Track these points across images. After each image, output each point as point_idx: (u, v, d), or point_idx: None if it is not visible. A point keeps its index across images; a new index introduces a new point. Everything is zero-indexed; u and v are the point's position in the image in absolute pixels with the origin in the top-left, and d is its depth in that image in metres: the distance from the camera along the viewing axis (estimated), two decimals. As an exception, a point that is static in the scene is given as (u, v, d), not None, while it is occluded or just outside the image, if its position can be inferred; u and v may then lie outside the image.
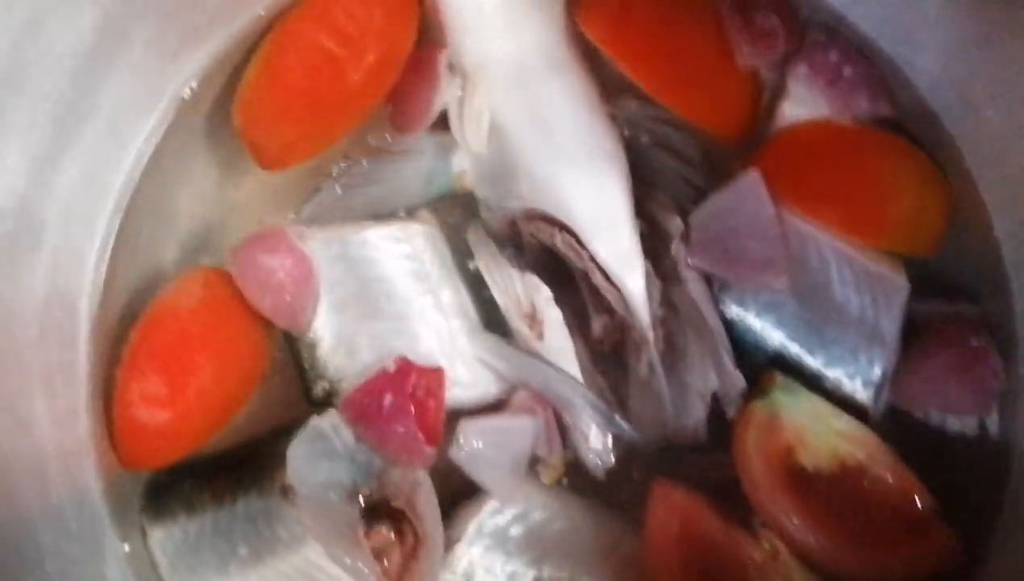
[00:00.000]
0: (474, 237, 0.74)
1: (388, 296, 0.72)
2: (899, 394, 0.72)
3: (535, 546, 0.70)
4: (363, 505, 0.69)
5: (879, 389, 0.71)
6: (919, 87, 0.74)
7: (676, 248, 0.71)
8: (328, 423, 0.69)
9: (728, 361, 0.70)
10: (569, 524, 0.71)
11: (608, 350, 0.72)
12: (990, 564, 0.68)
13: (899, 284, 0.71)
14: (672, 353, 0.71)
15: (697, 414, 0.71)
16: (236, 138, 0.73)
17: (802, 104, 0.74)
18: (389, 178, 0.75)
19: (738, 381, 0.70)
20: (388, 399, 0.70)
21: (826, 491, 0.69)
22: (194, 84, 0.75)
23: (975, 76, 0.70)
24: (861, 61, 0.74)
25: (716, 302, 0.72)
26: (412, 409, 0.69)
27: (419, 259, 0.73)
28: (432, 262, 0.73)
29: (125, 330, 0.71)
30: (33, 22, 0.61)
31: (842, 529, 0.68)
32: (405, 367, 0.70)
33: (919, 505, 0.68)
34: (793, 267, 0.71)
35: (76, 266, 0.71)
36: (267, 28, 0.75)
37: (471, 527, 0.70)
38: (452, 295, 0.73)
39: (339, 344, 0.71)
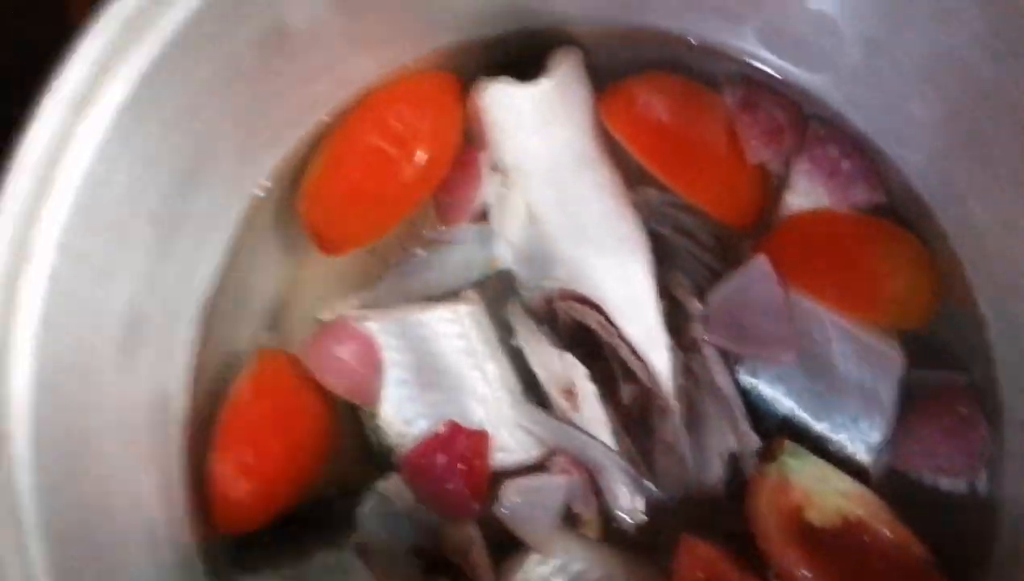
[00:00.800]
0: (514, 315, 0.80)
1: (442, 371, 0.78)
2: (897, 456, 0.77)
3: None
4: (424, 561, 0.74)
5: (878, 452, 0.76)
6: (909, 179, 0.80)
7: (694, 326, 0.77)
8: (391, 486, 0.75)
9: (744, 423, 0.76)
10: (606, 574, 0.76)
11: (636, 415, 0.78)
12: None
13: (895, 357, 0.77)
14: (693, 417, 0.77)
15: (716, 472, 0.77)
16: (301, 228, 0.80)
17: (804, 195, 0.81)
18: (439, 265, 0.82)
19: (753, 442, 0.76)
20: (440, 459, 0.76)
21: (831, 544, 0.74)
22: (267, 183, 0.82)
23: (959, 170, 0.76)
24: (857, 155, 0.80)
25: (732, 372, 0.77)
26: (460, 468, 0.76)
27: (467, 337, 0.78)
28: (478, 339, 0.78)
29: (213, 411, 0.78)
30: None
31: (846, 579, 0.73)
32: (454, 431, 0.77)
33: (915, 556, 0.73)
34: (800, 342, 0.77)
35: (172, 356, 0.77)
36: (329, 131, 0.82)
37: (518, 578, 0.74)
38: (496, 369, 0.78)
39: (399, 414, 0.78)
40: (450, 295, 0.81)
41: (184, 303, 0.78)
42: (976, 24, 0.67)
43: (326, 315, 0.80)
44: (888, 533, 0.74)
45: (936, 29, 0.69)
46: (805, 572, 0.73)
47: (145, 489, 0.72)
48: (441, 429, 0.77)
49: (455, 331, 0.79)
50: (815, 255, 0.80)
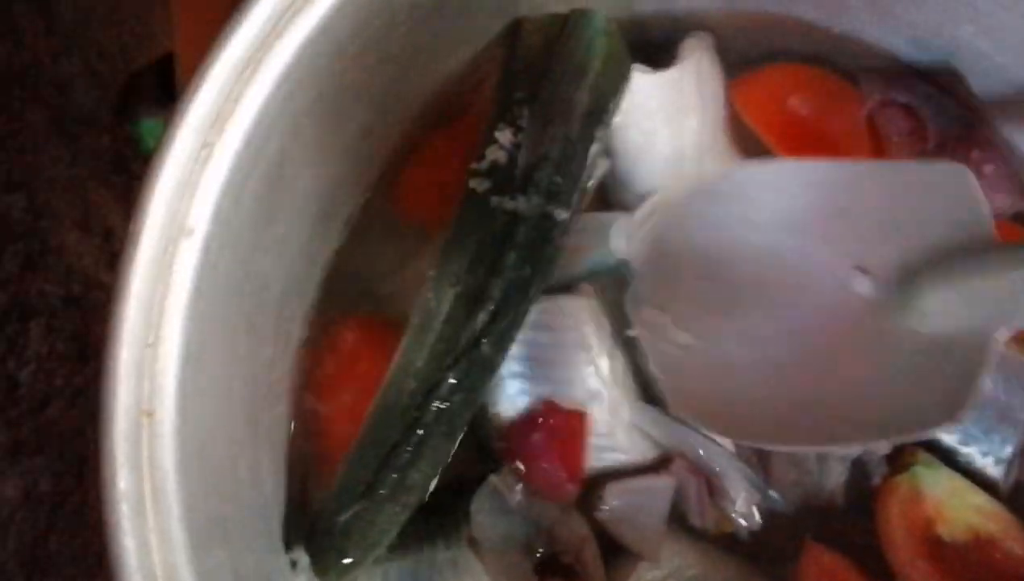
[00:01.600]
0: (630, 305, 0.76)
1: (555, 365, 0.75)
2: None
3: None
4: (536, 558, 0.71)
5: (1009, 466, 0.74)
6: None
7: None
8: (503, 480, 0.72)
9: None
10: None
11: None
12: None
13: None
14: None
15: (837, 478, 0.74)
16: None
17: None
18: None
19: (881, 447, 0.73)
20: (535, 437, 0.73)
21: (961, 560, 0.71)
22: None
23: None
24: (1001, 160, 0.77)
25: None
26: (554, 446, 0.72)
27: (581, 331, 0.75)
28: (593, 334, 0.75)
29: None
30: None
31: None
32: (550, 409, 0.73)
33: None
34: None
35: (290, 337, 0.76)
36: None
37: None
38: (611, 365, 0.75)
39: (513, 407, 0.75)
40: (564, 288, 0.77)
41: (306, 278, 0.76)
42: None
43: None
44: (1019, 551, 0.71)
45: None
46: None
47: (261, 469, 0.71)
48: (538, 408, 0.74)
49: (569, 324, 0.75)
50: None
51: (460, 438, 0.73)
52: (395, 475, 0.70)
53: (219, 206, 0.60)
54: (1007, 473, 0.74)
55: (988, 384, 0.72)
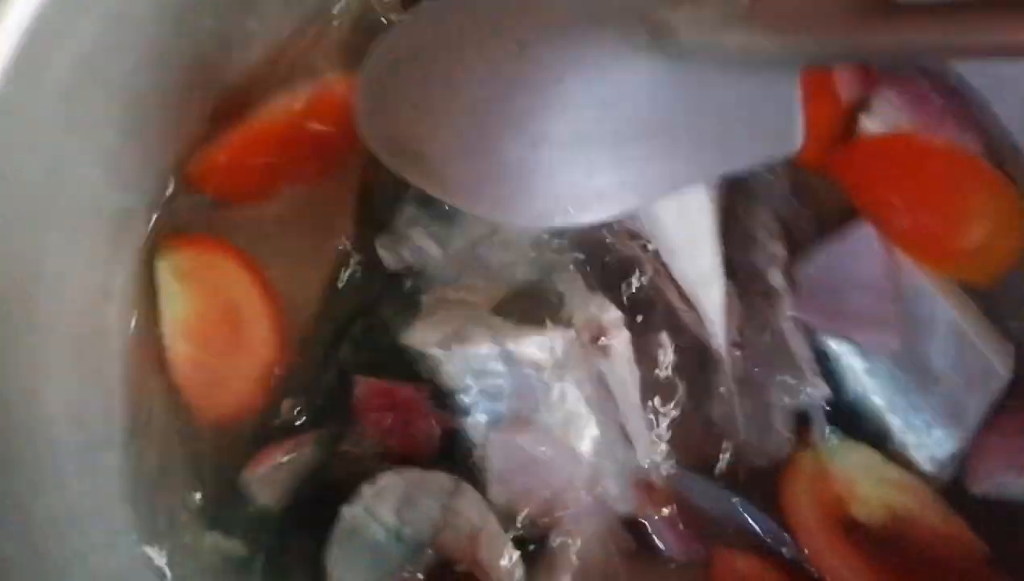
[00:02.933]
0: (560, 250, 0.71)
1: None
2: (966, 470, 0.69)
3: None
4: None
5: (943, 466, 0.69)
6: (1005, 123, 0.70)
7: (773, 271, 0.69)
8: (360, 508, 0.64)
9: (810, 372, 0.68)
10: None
11: (671, 372, 0.69)
12: None
13: (1001, 374, 0.68)
14: (760, 375, 0.69)
15: (781, 433, 0.69)
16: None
17: (883, 120, 0.71)
18: None
19: (822, 389, 0.68)
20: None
21: (878, 540, 0.67)
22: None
23: None
24: (951, 94, 0.71)
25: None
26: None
27: (568, 367, 0.68)
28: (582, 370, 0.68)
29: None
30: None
31: (895, 577, 0.66)
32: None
33: (970, 550, 0.66)
34: (905, 327, 0.68)
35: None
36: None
37: None
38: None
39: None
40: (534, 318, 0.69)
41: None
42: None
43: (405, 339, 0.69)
44: (941, 526, 0.67)
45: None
46: (847, 569, 0.66)
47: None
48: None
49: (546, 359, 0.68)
50: (888, 186, 0.70)
51: None
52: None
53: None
54: (939, 473, 0.69)
55: (947, 375, 0.68)
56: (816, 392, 0.68)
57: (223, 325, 0.69)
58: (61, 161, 0.62)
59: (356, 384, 0.68)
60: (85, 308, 0.67)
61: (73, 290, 0.66)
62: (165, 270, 0.70)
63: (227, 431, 0.70)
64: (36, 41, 0.56)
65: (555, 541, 0.67)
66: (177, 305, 0.70)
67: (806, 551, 0.67)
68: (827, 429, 0.68)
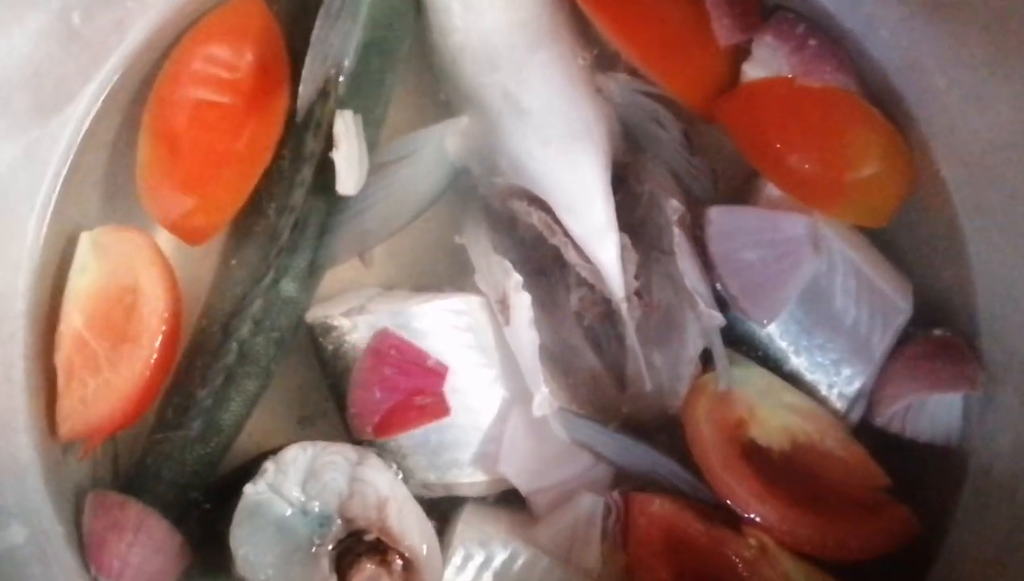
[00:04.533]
0: (468, 219, 0.71)
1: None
2: (873, 407, 0.69)
3: None
4: (333, 555, 0.63)
5: (853, 403, 0.69)
6: (876, 59, 0.70)
7: (669, 224, 0.67)
8: (263, 485, 0.63)
9: (703, 304, 0.66)
10: (534, 556, 0.66)
11: (592, 321, 0.69)
12: (945, 553, 0.67)
13: (902, 307, 0.68)
14: (668, 329, 0.68)
15: (688, 380, 0.68)
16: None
17: (765, 67, 0.70)
18: (402, 183, 0.70)
19: (715, 319, 0.66)
20: (391, 371, 0.67)
21: (778, 464, 0.67)
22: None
23: (925, 44, 0.67)
24: (824, 34, 0.70)
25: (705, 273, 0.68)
26: (400, 397, 0.66)
27: (481, 331, 0.68)
28: (494, 334, 0.68)
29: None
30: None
31: (795, 503, 0.65)
32: (436, 373, 0.67)
33: (871, 479, 0.67)
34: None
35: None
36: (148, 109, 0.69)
37: None
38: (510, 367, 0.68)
39: None
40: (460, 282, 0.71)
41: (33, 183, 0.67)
42: None
43: (310, 317, 0.69)
44: (841, 454, 0.67)
45: None
46: (746, 492, 0.65)
47: None
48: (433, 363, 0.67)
49: (465, 323, 0.68)
50: (771, 129, 0.70)
51: (269, 381, 0.70)
52: (202, 417, 0.68)
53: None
54: (850, 409, 0.69)
55: (851, 312, 0.68)
56: (713, 320, 0.66)
57: (118, 309, 0.67)
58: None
59: (376, 335, 0.67)
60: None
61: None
62: (86, 240, 0.68)
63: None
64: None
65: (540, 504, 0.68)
66: (85, 276, 0.68)
67: (708, 477, 0.66)
68: (725, 353, 0.67)
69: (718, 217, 0.67)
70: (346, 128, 0.67)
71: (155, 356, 0.66)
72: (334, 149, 0.66)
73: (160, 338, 0.66)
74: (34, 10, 0.63)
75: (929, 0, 0.66)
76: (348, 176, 0.66)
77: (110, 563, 0.63)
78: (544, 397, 0.65)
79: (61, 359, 0.66)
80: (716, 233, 0.67)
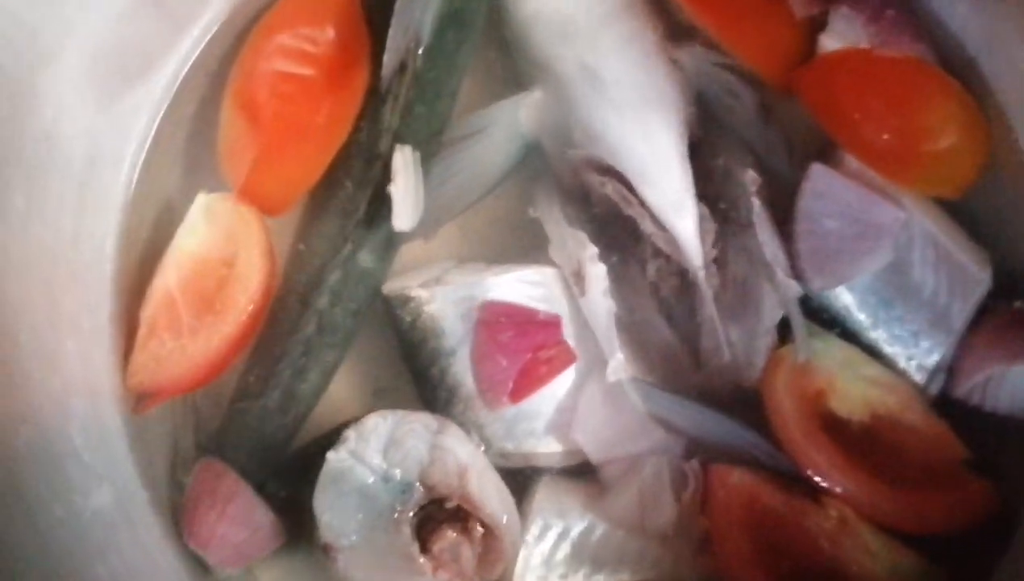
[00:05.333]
0: (541, 193, 0.71)
1: None
2: (953, 381, 0.68)
3: (586, 559, 0.66)
4: (415, 522, 0.63)
5: (933, 374, 0.68)
6: (953, 30, 0.70)
7: (746, 193, 0.67)
8: (345, 453, 0.64)
9: (781, 274, 0.66)
10: (610, 527, 0.66)
11: (667, 293, 0.69)
12: None
13: (980, 278, 0.67)
14: (745, 301, 0.68)
15: (765, 352, 0.68)
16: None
17: (842, 38, 0.70)
18: (473, 159, 0.71)
19: (793, 289, 0.66)
20: (509, 335, 0.67)
21: (858, 436, 0.66)
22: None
23: (1004, 19, 0.67)
24: (904, 7, 0.70)
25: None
26: (526, 357, 0.67)
27: (556, 302, 0.68)
28: (569, 306, 0.69)
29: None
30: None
31: (874, 474, 0.65)
32: (551, 324, 0.67)
33: (951, 453, 0.66)
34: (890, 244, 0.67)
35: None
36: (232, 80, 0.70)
37: (517, 566, 0.65)
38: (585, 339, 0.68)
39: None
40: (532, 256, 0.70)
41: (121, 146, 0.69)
42: None
43: (387, 288, 0.70)
44: (921, 427, 0.67)
45: None
46: (826, 464, 0.65)
47: (65, 349, 0.65)
48: (542, 314, 0.68)
49: (541, 295, 0.69)
50: (848, 100, 0.69)
51: (346, 353, 0.71)
52: (281, 388, 0.69)
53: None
54: (929, 381, 0.68)
55: (929, 283, 0.67)
56: (791, 290, 0.66)
57: (212, 279, 0.68)
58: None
59: (482, 309, 0.67)
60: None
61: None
62: (201, 203, 0.68)
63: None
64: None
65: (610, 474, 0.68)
66: (192, 238, 0.68)
67: (788, 449, 0.66)
68: (804, 326, 0.67)
69: (817, 176, 0.67)
70: (404, 162, 0.67)
71: (234, 334, 0.67)
72: (392, 183, 0.67)
73: (244, 318, 0.67)
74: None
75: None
76: (403, 210, 0.67)
77: (199, 530, 0.64)
78: (619, 362, 0.65)
79: (147, 314, 0.67)
80: (809, 190, 0.67)
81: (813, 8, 0.70)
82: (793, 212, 0.67)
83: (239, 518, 0.65)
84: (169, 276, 0.67)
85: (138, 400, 0.67)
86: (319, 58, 0.69)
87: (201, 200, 0.68)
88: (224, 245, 0.68)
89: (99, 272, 0.67)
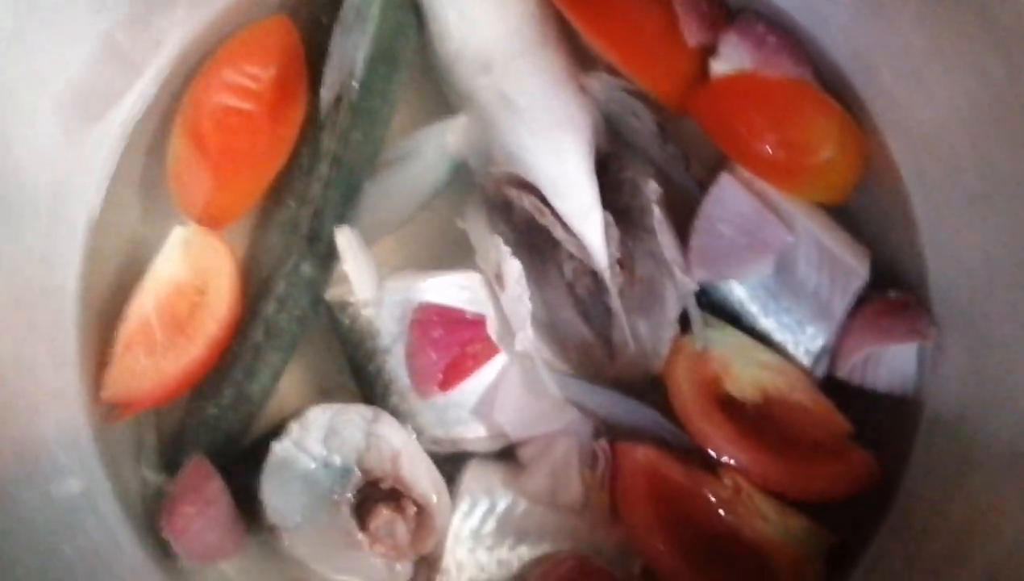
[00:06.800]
0: (468, 206, 0.77)
1: None
2: (836, 360, 0.75)
3: (510, 531, 0.71)
4: (353, 503, 0.69)
5: (818, 358, 0.75)
6: (828, 52, 0.76)
7: (648, 203, 0.74)
8: (289, 442, 0.70)
9: (679, 272, 0.72)
10: (530, 503, 0.72)
11: (582, 293, 0.76)
12: (902, 492, 0.72)
13: (859, 272, 0.74)
14: (650, 298, 0.75)
15: (669, 342, 0.74)
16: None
17: (730, 63, 0.76)
18: (407, 179, 0.78)
19: (690, 285, 0.72)
20: (439, 333, 0.73)
21: (752, 415, 0.72)
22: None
23: (870, 39, 0.74)
24: (782, 30, 0.77)
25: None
26: (455, 351, 0.73)
27: (481, 304, 0.74)
28: (494, 307, 0.74)
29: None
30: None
31: (765, 447, 0.71)
32: (477, 323, 0.73)
33: (836, 428, 0.72)
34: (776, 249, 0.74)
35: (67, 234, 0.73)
36: (180, 108, 0.76)
37: (448, 540, 0.70)
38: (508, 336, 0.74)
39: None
40: (461, 263, 0.76)
41: (82, 180, 0.74)
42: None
43: (328, 295, 0.75)
44: (809, 405, 0.73)
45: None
46: (724, 439, 0.71)
47: (38, 359, 0.70)
48: (470, 314, 0.74)
49: (467, 298, 0.75)
50: (737, 119, 0.76)
51: (292, 354, 0.76)
52: (234, 388, 0.74)
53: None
54: (815, 364, 0.75)
55: (812, 278, 0.74)
56: (688, 286, 0.73)
57: (184, 304, 0.74)
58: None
59: (416, 310, 0.73)
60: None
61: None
62: (179, 234, 0.74)
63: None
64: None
65: (526, 455, 0.74)
66: (169, 266, 0.74)
67: (688, 427, 0.72)
68: (701, 317, 0.73)
69: (724, 185, 0.75)
70: (348, 242, 0.73)
71: (203, 356, 0.73)
72: (343, 262, 0.73)
73: (212, 342, 0.73)
74: (85, 30, 0.70)
75: (871, 3, 0.72)
76: (363, 282, 0.73)
77: (177, 521, 0.69)
78: (526, 335, 0.71)
79: (124, 332, 0.73)
80: (714, 195, 0.74)
81: (704, 36, 0.77)
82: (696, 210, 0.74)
83: (216, 521, 0.70)
84: (146, 300, 0.73)
85: (110, 410, 0.72)
86: (261, 93, 0.76)
87: (178, 232, 0.74)
88: (196, 274, 0.74)
89: (67, 291, 0.72)
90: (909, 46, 0.71)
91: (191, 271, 0.74)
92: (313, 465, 0.70)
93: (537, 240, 0.76)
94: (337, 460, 0.70)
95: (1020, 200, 0.65)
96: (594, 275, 0.74)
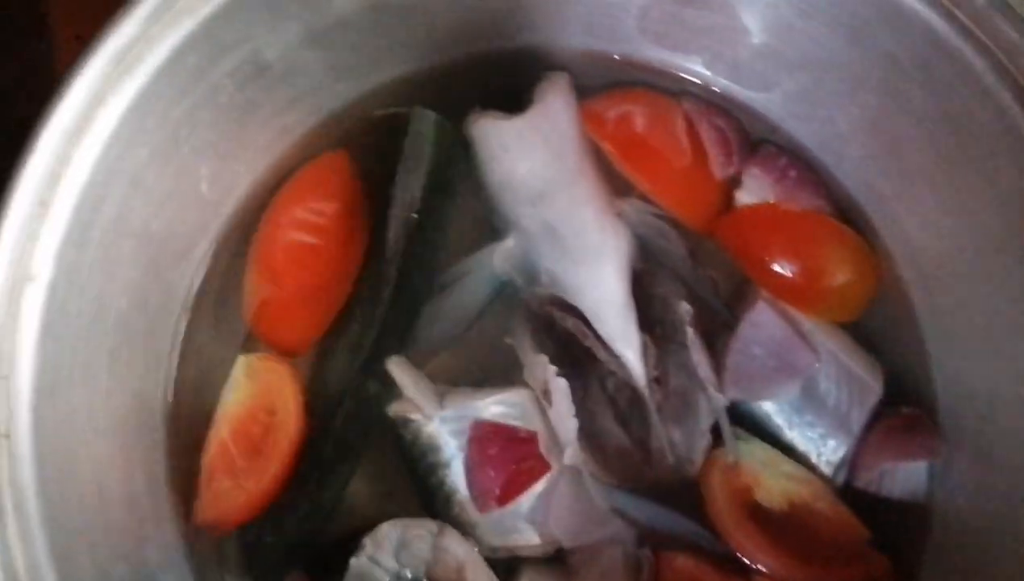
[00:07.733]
0: (516, 321, 0.82)
1: None
2: (854, 471, 0.80)
3: None
4: None
5: (838, 469, 0.80)
6: (843, 185, 0.83)
7: (680, 322, 0.79)
8: (364, 558, 0.75)
9: (712, 389, 0.78)
10: None
11: (623, 404, 0.81)
12: None
13: (874, 388, 0.79)
14: (684, 408, 0.80)
15: (703, 450, 0.80)
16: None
17: (754, 194, 0.83)
18: (460, 298, 0.84)
19: (721, 401, 0.78)
20: (495, 450, 0.78)
21: (778, 523, 0.78)
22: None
23: (882, 176, 0.80)
24: (802, 165, 0.83)
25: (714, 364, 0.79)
26: (510, 468, 0.78)
27: (530, 419, 0.79)
28: (541, 421, 0.80)
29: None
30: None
31: (793, 554, 0.76)
32: (529, 440, 0.79)
33: (855, 534, 0.77)
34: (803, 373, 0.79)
35: (156, 363, 0.79)
36: (253, 244, 0.82)
37: None
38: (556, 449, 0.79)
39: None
40: (505, 380, 0.81)
41: (167, 315, 0.80)
42: (887, 45, 0.71)
43: (391, 411, 0.80)
44: (830, 513, 0.78)
45: (852, 51, 0.74)
46: (753, 547, 0.76)
47: (136, 488, 0.75)
48: (523, 431, 0.79)
49: (514, 415, 0.80)
50: (759, 246, 0.82)
51: (358, 465, 0.81)
52: (308, 500, 0.79)
53: (61, 253, 0.65)
54: (836, 473, 0.80)
55: (832, 394, 0.80)
56: (720, 401, 0.79)
57: (257, 427, 0.79)
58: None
59: (473, 428, 0.79)
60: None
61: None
62: (242, 363, 0.80)
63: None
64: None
65: (575, 561, 0.79)
66: (237, 394, 0.80)
67: (721, 533, 0.78)
68: (732, 431, 0.79)
69: (760, 310, 0.80)
70: (400, 370, 0.79)
71: (280, 471, 0.78)
72: (402, 388, 0.79)
73: (287, 457, 0.78)
74: (180, 183, 0.75)
75: (883, 144, 0.79)
76: (423, 399, 0.79)
77: None
78: (575, 448, 0.76)
79: (206, 460, 0.78)
80: (750, 319, 0.80)
81: (730, 170, 0.83)
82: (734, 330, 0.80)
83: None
84: (222, 428, 0.78)
85: (200, 531, 0.78)
86: (327, 227, 0.82)
87: (241, 361, 0.79)
88: (264, 397, 0.79)
89: (155, 420, 0.78)
90: (919, 187, 0.77)
91: (258, 394, 0.79)
92: (387, 578, 0.75)
93: (578, 353, 0.81)
94: (408, 573, 0.75)
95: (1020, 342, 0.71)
96: (633, 388, 0.80)
